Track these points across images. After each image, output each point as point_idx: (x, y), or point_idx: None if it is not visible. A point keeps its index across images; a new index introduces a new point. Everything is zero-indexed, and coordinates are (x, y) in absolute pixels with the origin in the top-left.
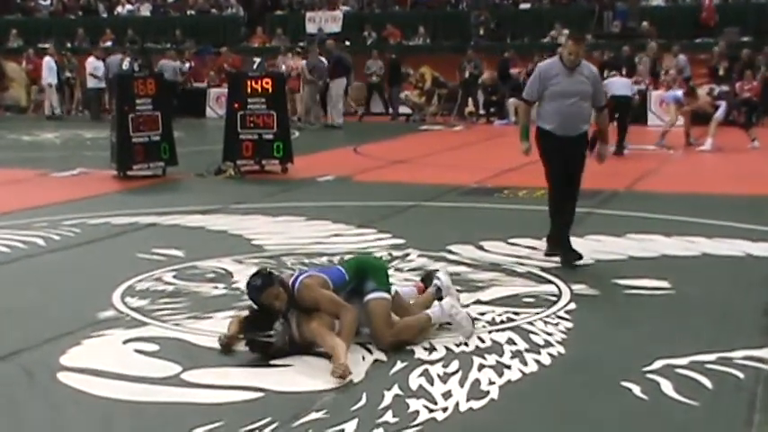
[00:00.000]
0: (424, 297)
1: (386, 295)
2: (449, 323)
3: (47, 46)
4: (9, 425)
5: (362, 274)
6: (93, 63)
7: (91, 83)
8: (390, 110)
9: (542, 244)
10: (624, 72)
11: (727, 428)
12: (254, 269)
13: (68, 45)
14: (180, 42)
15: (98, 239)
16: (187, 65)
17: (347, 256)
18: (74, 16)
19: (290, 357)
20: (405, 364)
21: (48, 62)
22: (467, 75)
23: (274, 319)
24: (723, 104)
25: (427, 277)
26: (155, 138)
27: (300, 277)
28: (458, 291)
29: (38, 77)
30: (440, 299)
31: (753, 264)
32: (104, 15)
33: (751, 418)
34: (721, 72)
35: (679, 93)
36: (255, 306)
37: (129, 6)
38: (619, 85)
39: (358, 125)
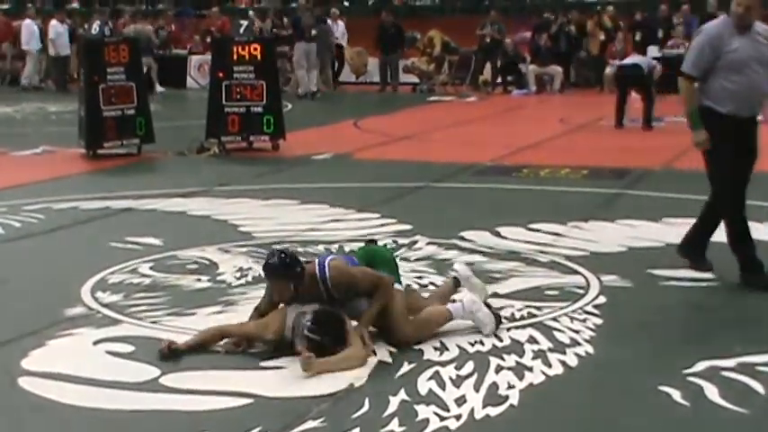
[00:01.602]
0: (441, 290)
1: (399, 287)
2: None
3: (5, 7)
4: None
5: (372, 266)
6: (56, 27)
7: (53, 50)
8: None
9: (568, 229)
10: (660, 35)
11: None
12: (241, 259)
13: (29, 6)
14: (154, 4)
15: (65, 227)
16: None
17: (354, 246)
18: None
19: (283, 358)
20: (413, 365)
21: (28, 25)
22: (488, 39)
23: (344, 333)
24: None
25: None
26: (128, 111)
27: (326, 261)
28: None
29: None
30: (456, 286)
31: None
32: None
33: None
34: None
35: None
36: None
37: None
38: (634, 56)
39: (358, 96)
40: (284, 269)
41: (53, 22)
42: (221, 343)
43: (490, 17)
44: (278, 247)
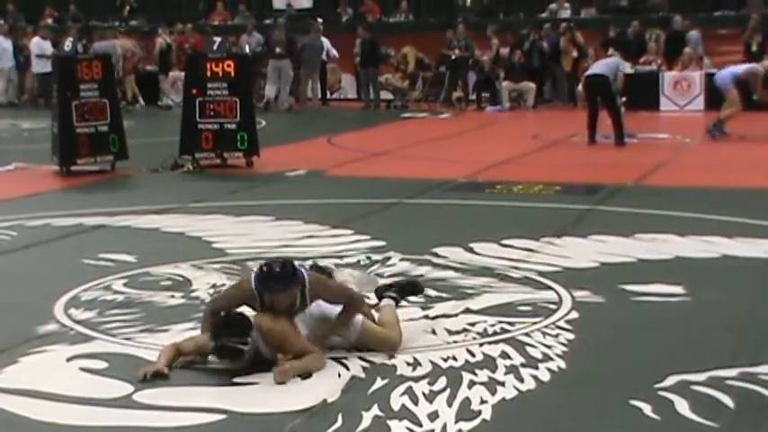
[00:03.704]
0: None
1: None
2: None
3: None
4: None
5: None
6: (39, 44)
7: (38, 66)
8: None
9: (541, 245)
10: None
11: None
12: (215, 276)
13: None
14: (128, 20)
15: (37, 243)
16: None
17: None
18: None
19: (256, 374)
20: (385, 381)
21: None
22: (453, 57)
23: (249, 327)
24: None
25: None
26: (102, 128)
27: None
28: (444, 298)
29: None
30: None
31: None
32: None
33: None
34: (754, 48)
35: (737, 69)
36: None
37: None
38: (599, 63)
39: (332, 112)
40: (294, 277)
41: (35, 39)
42: (179, 360)
43: (457, 33)
44: (266, 259)
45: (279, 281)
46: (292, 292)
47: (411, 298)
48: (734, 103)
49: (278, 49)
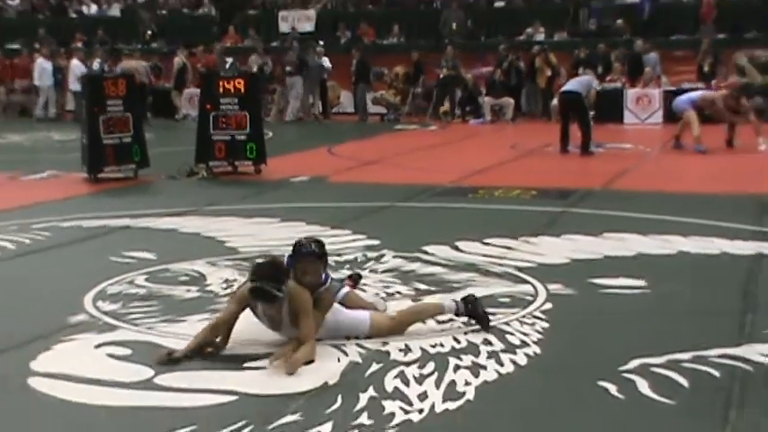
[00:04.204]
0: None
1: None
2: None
3: (15, 47)
4: None
5: None
6: (78, 66)
7: (74, 85)
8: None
9: (519, 244)
10: (600, 70)
11: (704, 426)
12: (227, 272)
13: (36, 46)
14: (149, 43)
15: (69, 243)
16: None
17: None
18: (42, 16)
19: (264, 359)
20: (380, 365)
21: (40, 64)
22: (442, 74)
23: (287, 277)
24: None
25: (357, 276)
26: (126, 139)
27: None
28: (433, 291)
29: (5, 79)
30: None
31: (729, 262)
32: (73, 16)
33: (726, 416)
34: (706, 69)
35: (695, 95)
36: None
37: (94, 7)
38: (573, 81)
39: (332, 125)
40: (321, 252)
41: (75, 61)
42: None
43: (445, 54)
44: (305, 237)
45: (311, 252)
46: (318, 264)
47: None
48: (693, 120)
49: (288, 68)
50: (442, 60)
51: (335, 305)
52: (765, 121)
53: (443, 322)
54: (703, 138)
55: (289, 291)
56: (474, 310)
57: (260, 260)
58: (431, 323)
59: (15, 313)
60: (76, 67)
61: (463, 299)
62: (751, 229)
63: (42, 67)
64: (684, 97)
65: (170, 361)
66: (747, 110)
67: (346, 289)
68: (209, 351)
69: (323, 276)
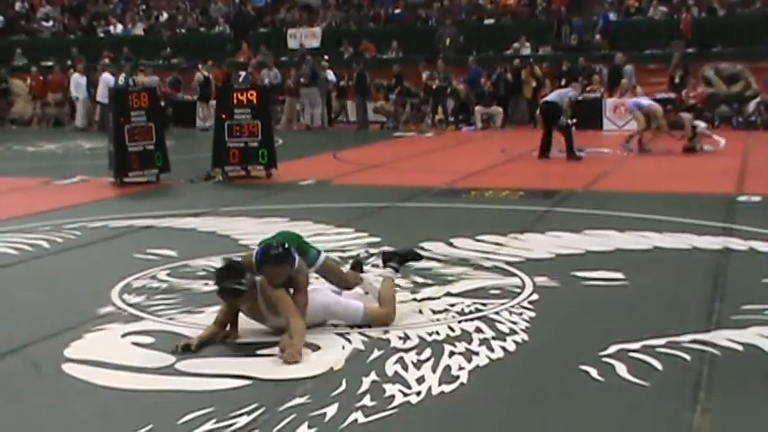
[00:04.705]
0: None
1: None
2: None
3: (49, 64)
4: (18, 413)
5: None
6: (107, 78)
7: (101, 97)
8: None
9: (508, 240)
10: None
11: (676, 406)
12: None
13: (68, 63)
14: (169, 59)
15: (97, 241)
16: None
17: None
18: (73, 36)
19: (275, 347)
20: (381, 352)
21: (76, 78)
22: (434, 85)
23: (243, 270)
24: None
25: (357, 264)
26: (149, 147)
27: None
28: (429, 284)
29: (40, 93)
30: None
31: (698, 255)
32: (101, 35)
33: (697, 396)
34: (677, 80)
35: (641, 100)
36: (256, 269)
37: (120, 26)
38: (554, 92)
39: (336, 133)
40: (285, 256)
41: (105, 74)
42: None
43: (437, 66)
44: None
45: (271, 257)
46: (283, 268)
47: (411, 264)
48: (638, 119)
49: (302, 80)
50: (434, 72)
51: (328, 293)
52: (731, 128)
53: (439, 312)
54: (677, 142)
55: (260, 284)
56: (397, 258)
57: (217, 266)
58: (427, 313)
59: (50, 305)
60: (106, 80)
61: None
62: (718, 226)
63: (78, 82)
64: (634, 101)
65: (184, 349)
66: (685, 121)
67: (323, 257)
68: (223, 339)
69: (291, 268)
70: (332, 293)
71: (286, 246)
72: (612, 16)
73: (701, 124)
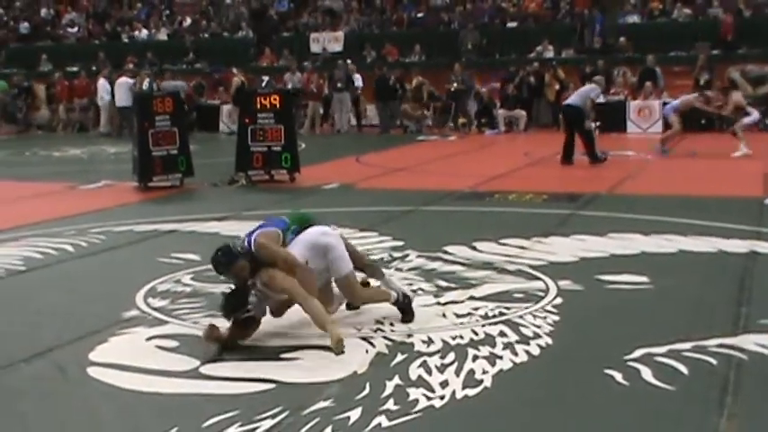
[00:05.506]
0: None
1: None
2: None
3: (75, 69)
4: (44, 416)
5: (306, 225)
6: (126, 83)
7: (120, 101)
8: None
9: (532, 243)
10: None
11: (701, 411)
12: None
13: (93, 68)
14: (193, 63)
15: (122, 245)
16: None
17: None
18: (98, 41)
19: (298, 351)
20: (405, 356)
21: (102, 84)
22: (453, 88)
23: (248, 293)
24: (755, 112)
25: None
26: (173, 151)
27: (254, 235)
28: (453, 288)
29: (65, 99)
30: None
31: (724, 259)
32: (126, 41)
33: (723, 401)
34: (702, 82)
35: (673, 103)
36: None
37: (144, 32)
38: (574, 94)
39: (359, 136)
40: (229, 258)
41: (122, 78)
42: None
43: (455, 70)
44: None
45: (213, 263)
46: (230, 274)
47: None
48: (674, 124)
49: (339, 84)
50: (452, 76)
51: (329, 243)
52: (758, 130)
53: (462, 316)
54: (701, 144)
55: (262, 291)
56: (406, 305)
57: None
58: (451, 317)
59: (75, 309)
60: (124, 84)
61: (405, 294)
62: (745, 229)
63: (104, 87)
64: (669, 105)
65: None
66: (723, 102)
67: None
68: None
69: (242, 260)
70: (331, 243)
71: (219, 251)
72: (636, 18)
73: (755, 113)
